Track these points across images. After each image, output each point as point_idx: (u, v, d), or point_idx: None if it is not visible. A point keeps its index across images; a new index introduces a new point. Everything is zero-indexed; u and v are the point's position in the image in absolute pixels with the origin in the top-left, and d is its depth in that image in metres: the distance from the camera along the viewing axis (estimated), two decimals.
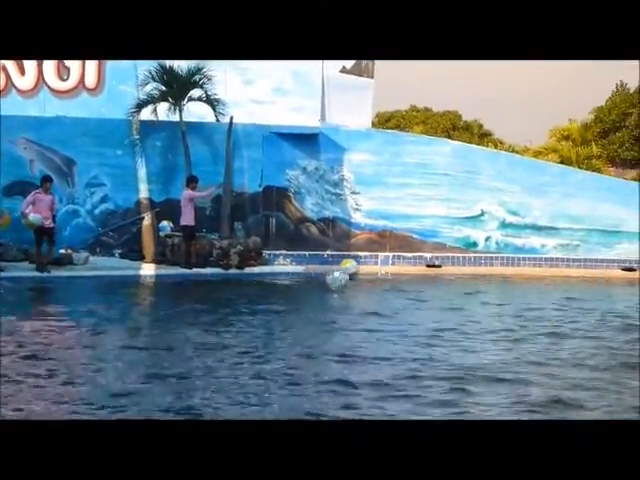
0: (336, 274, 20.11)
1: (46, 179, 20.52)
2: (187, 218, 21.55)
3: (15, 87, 23.55)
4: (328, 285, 19.75)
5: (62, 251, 21.12)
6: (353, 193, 24.69)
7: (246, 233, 23.59)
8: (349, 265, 22.56)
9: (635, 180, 32.36)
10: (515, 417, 8.88)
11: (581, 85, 66.56)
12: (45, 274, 19.72)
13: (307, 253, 23.86)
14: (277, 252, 23.74)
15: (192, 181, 21.81)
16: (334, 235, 24.64)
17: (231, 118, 22.97)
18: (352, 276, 21.57)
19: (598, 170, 32.84)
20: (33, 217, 19.48)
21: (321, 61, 24.26)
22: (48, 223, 20.04)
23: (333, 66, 25.76)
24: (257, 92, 24.00)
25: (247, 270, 22.08)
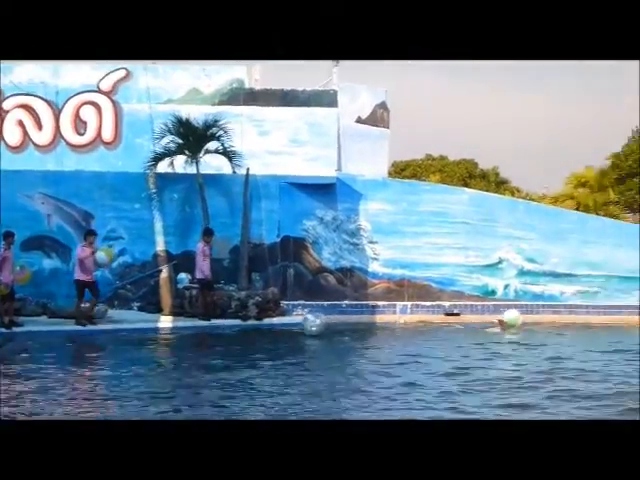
0: (310, 318, 20.81)
1: (90, 232, 21.05)
2: (203, 270, 21.54)
3: (32, 142, 23.69)
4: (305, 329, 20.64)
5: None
6: (370, 242, 24.64)
7: (264, 284, 23.53)
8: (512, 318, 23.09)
9: None
10: None
11: (597, 132, 66.67)
12: (81, 327, 20.03)
13: (325, 303, 23.76)
14: (295, 302, 23.66)
15: (206, 234, 21.82)
16: (352, 285, 24.56)
17: (247, 169, 23.05)
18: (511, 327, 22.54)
19: (615, 216, 32.77)
20: None
21: (337, 111, 24.32)
22: (90, 278, 20.49)
23: (349, 116, 25.85)
24: (273, 143, 24.04)
25: (266, 321, 22.00)
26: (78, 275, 20.42)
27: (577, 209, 32.61)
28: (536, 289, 25.33)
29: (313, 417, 10.80)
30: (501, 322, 22.79)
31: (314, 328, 20.59)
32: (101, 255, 20.51)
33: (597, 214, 31.36)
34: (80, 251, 20.54)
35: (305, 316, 21.36)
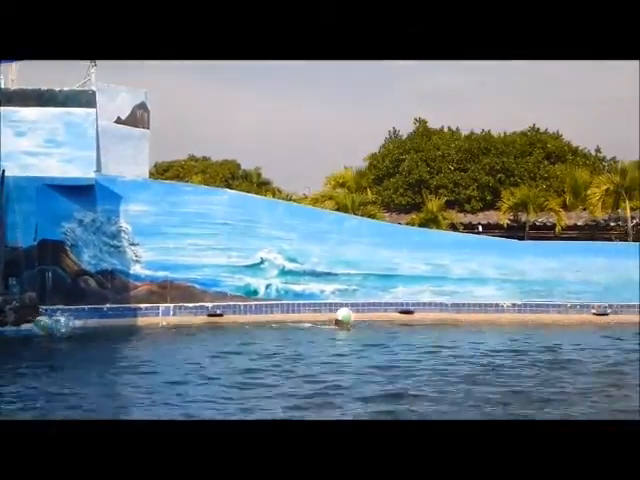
0: (61, 319, 21.16)
1: None
2: None
3: None
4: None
5: None
6: (132, 244, 24.39)
7: (21, 289, 22.84)
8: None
9: (409, 225, 33.44)
10: None
11: (357, 133, 68.50)
12: None
13: (86, 307, 23.36)
14: (54, 307, 23.05)
15: None
16: (114, 287, 24.23)
17: (3, 171, 22.35)
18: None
19: (373, 216, 33.70)
20: None
21: (95, 112, 23.89)
22: None
23: (108, 117, 25.49)
24: (30, 144, 23.35)
25: (24, 326, 21.40)
26: None
27: (337, 209, 33.34)
28: (297, 288, 25.81)
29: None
30: (337, 321, 23.81)
31: (63, 330, 20.85)
32: None
33: (355, 214, 32.18)
34: None
35: (57, 318, 21.23)
